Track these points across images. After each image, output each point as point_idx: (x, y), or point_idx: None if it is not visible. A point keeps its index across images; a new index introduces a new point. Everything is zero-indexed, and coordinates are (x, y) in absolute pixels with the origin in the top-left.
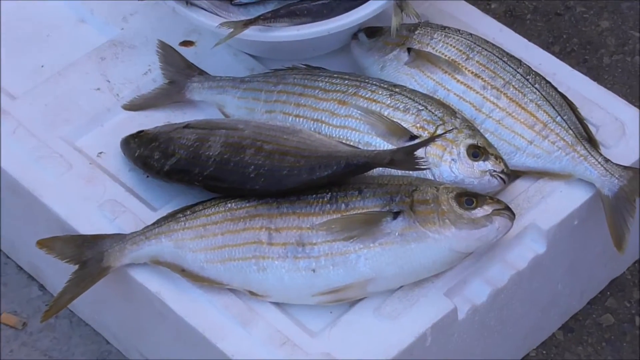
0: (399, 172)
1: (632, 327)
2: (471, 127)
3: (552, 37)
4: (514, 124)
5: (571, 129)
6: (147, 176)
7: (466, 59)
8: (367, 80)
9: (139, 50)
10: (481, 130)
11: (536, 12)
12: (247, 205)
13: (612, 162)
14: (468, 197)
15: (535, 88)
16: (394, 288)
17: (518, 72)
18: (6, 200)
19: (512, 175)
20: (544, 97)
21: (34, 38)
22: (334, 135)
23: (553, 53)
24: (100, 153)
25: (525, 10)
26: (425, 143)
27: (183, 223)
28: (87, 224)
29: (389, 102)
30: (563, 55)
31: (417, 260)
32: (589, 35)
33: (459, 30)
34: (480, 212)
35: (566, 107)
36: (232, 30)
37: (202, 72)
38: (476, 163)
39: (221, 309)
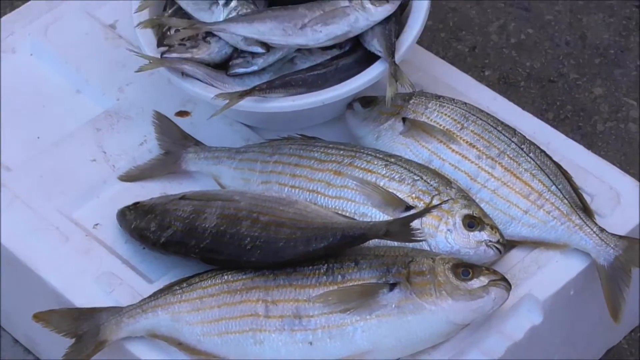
0: (395, 243)
1: None
2: (467, 197)
3: (545, 103)
4: (509, 193)
5: (566, 198)
6: (144, 248)
7: (461, 129)
8: (362, 151)
9: (135, 120)
10: (476, 200)
11: (530, 79)
12: (244, 277)
13: (607, 231)
14: (464, 268)
15: (530, 157)
16: None
17: (513, 141)
18: (2, 273)
19: (507, 245)
20: (539, 166)
21: (30, 109)
22: (330, 206)
23: (547, 120)
24: (97, 225)
25: (519, 77)
26: (420, 214)
27: (180, 295)
28: (84, 296)
29: (384, 172)
30: (557, 122)
31: (414, 332)
32: (583, 102)
33: (453, 100)
34: (477, 283)
35: (561, 176)
36: (227, 101)
37: (197, 143)
38: (472, 233)
39: None
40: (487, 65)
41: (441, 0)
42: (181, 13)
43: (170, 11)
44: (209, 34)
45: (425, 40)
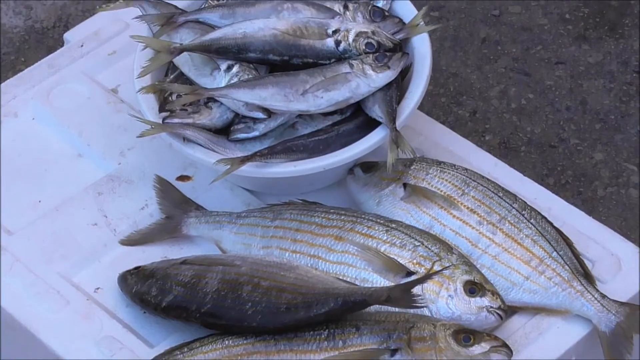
0: (397, 309)
1: None
2: (468, 263)
3: (546, 169)
4: (510, 259)
5: (567, 265)
6: (145, 312)
7: (462, 194)
8: (363, 216)
9: (136, 185)
10: (477, 266)
11: (530, 144)
12: (245, 342)
13: (608, 298)
14: (465, 334)
15: (531, 223)
16: None
17: (514, 207)
18: (2, 336)
19: (509, 311)
20: (540, 232)
21: (31, 173)
22: (331, 271)
23: (548, 185)
24: (98, 289)
25: (520, 142)
26: (421, 280)
27: None
28: None
29: (385, 237)
30: (557, 187)
31: None
32: (583, 168)
33: (454, 165)
34: (478, 349)
35: (562, 243)
36: (229, 166)
37: (199, 207)
38: (473, 299)
39: None
40: (488, 130)
41: (442, 66)
42: (183, 79)
43: (172, 76)
44: (211, 99)
45: (426, 105)
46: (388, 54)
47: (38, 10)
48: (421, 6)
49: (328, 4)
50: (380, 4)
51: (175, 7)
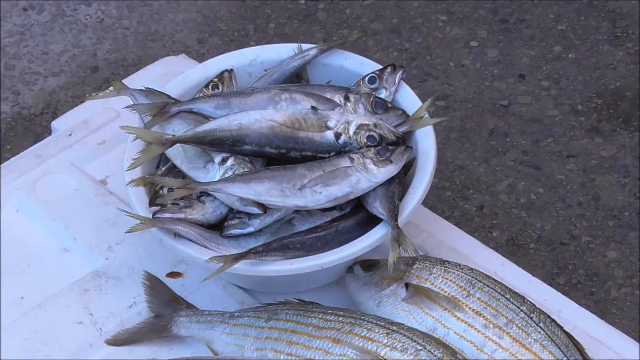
0: None
1: None
2: None
3: (557, 267)
4: None
5: None
6: None
7: (467, 296)
8: (362, 317)
9: (124, 281)
10: None
11: (540, 241)
12: None
13: None
14: None
15: (540, 327)
16: None
17: (521, 310)
18: None
19: None
20: (549, 336)
21: (14, 267)
22: None
23: (558, 285)
24: None
25: (529, 239)
26: None
27: None
28: None
29: (385, 341)
30: (569, 287)
31: None
32: (596, 267)
33: (459, 265)
34: None
35: (572, 348)
36: (222, 264)
37: (189, 306)
38: None
39: None
40: (496, 225)
41: (447, 158)
42: (175, 171)
43: (163, 169)
44: (204, 193)
45: (430, 199)
46: (390, 147)
47: (26, 95)
48: (427, 96)
49: (328, 95)
50: (382, 95)
51: (168, 96)
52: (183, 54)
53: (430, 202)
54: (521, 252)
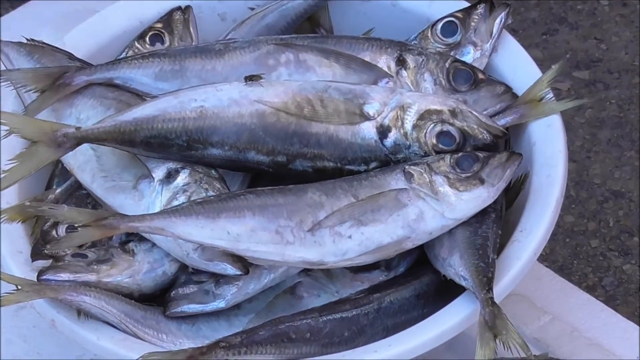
0: None
1: None
2: None
3: None
4: None
5: None
6: None
7: None
8: None
9: None
10: None
11: None
12: None
13: None
14: None
15: None
16: None
17: None
18: None
19: None
20: None
21: None
22: None
23: None
24: None
25: None
26: None
27: None
28: None
29: None
30: None
31: None
32: None
33: None
34: None
35: None
36: None
37: None
38: None
39: None
40: None
41: (592, 176)
42: (79, 194)
43: (58, 190)
44: (133, 236)
45: (557, 249)
46: (482, 154)
47: None
48: (553, 60)
49: (367, 56)
50: (469, 58)
51: (70, 55)
52: None
53: (555, 255)
54: None
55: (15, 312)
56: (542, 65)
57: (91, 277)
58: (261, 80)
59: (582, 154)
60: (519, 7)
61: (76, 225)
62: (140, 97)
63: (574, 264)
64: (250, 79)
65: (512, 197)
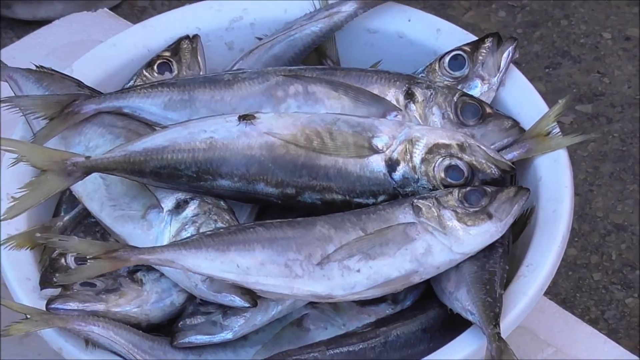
0: None
1: None
2: None
3: None
4: None
5: None
6: None
7: None
8: None
9: None
10: None
11: None
12: None
13: None
14: None
15: None
16: None
17: None
18: None
19: None
20: None
21: None
22: None
23: None
24: None
25: None
26: None
27: None
28: None
29: None
30: None
31: None
32: None
33: None
34: None
35: None
36: None
37: None
38: None
39: None
40: None
41: (595, 209)
42: (88, 222)
43: (66, 218)
44: (141, 267)
45: (560, 283)
46: (490, 189)
47: None
48: (558, 93)
49: (376, 89)
50: (476, 92)
51: (79, 82)
52: (105, 8)
53: (557, 288)
54: None
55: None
56: (545, 98)
57: (100, 307)
58: (269, 113)
59: (585, 187)
60: (522, 40)
61: (86, 255)
62: (149, 126)
63: (576, 296)
64: (244, 118)
65: (518, 231)
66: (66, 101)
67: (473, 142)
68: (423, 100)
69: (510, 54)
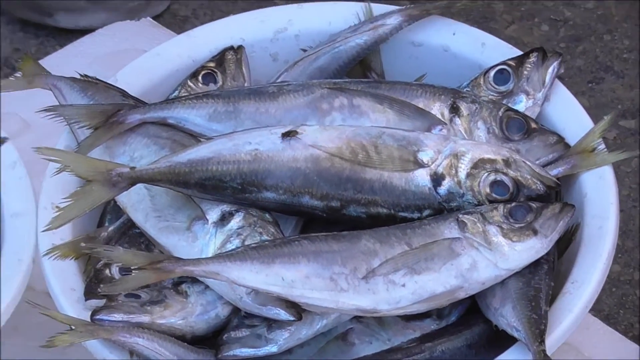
0: None
1: None
2: None
3: None
4: None
5: None
6: None
7: None
8: None
9: None
10: None
11: None
12: None
13: None
14: None
15: None
16: None
17: None
18: None
19: None
20: None
21: None
22: None
23: None
24: None
25: None
26: None
27: None
28: None
29: None
30: None
31: None
32: None
33: None
34: None
35: None
36: None
37: None
38: None
39: None
40: None
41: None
42: (132, 233)
43: (111, 228)
44: (186, 279)
45: (605, 299)
46: (535, 205)
47: None
48: (604, 110)
49: (421, 103)
50: (522, 107)
51: (123, 92)
52: (147, 17)
53: (600, 304)
54: None
55: None
56: (588, 113)
57: (144, 319)
58: (314, 126)
59: (629, 203)
60: (565, 54)
61: (130, 266)
62: (194, 137)
63: (620, 313)
64: (287, 135)
65: (563, 248)
66: (111, 111)
67: (518, 157)
68: (468, 114)
69: (555, 69)
